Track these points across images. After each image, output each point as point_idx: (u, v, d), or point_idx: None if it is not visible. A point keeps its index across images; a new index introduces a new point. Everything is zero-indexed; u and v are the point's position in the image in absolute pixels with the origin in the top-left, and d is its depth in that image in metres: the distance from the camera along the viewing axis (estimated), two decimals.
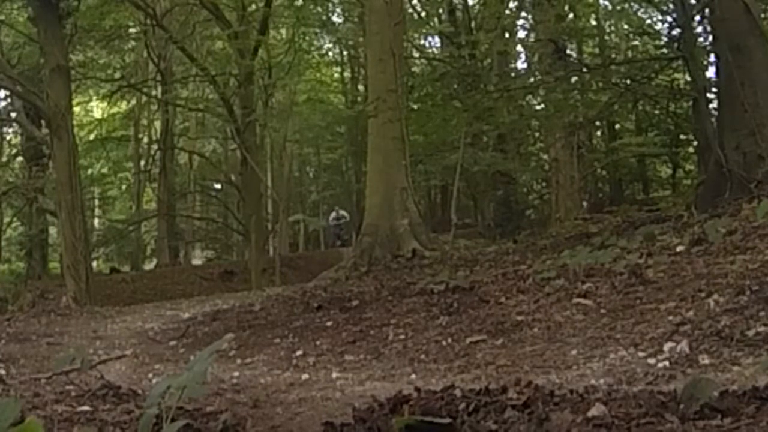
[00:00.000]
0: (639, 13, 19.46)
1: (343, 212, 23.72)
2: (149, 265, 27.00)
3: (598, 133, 24.94)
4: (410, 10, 19.98)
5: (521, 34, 22.46)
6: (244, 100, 17.10)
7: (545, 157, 22.15)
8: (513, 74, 20.19)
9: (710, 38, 11.02)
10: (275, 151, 26.62)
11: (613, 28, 21.44)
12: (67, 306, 11.43)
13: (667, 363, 3.56)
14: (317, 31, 23.23)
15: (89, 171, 25.55)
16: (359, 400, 2.98)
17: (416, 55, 23.29)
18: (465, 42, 18.03)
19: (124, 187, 28.98)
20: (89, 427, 2.55)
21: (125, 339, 7.21)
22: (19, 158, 22.89)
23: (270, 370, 5.02)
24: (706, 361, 3.47)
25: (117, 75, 21.68)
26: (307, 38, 22.34)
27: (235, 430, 2.51)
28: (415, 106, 19.46)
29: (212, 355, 2.33)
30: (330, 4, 21.53)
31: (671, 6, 12.81)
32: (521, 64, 22.10)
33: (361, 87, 27.55)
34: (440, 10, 22.86)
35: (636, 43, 19.36)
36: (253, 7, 17.77)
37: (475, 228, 21.55)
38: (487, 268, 8.22)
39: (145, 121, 27.78)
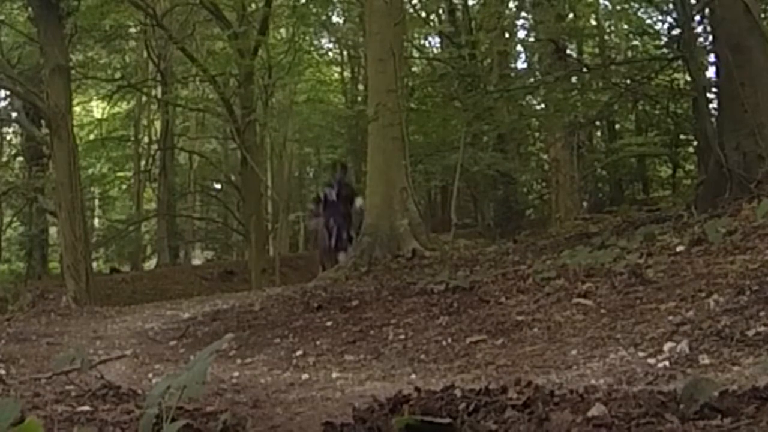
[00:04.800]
0: (639, 13, 19.46)
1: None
2: (149, 265, 26.99)
3: (598, 133, 24.92)
4: (410, 10, 19.98)
5: (521, 34, 22.49)
6: (244, 100, 17.10)
7: (545, 157, 22.16)
8: (513, 74, 20.18)
9: (710, 38, 11.01)
10: (275, 151, 26.61)
11: (613, 28, 21.43)
12: (67, 306, 11.43)
13: (667, 363, 3.56)
14: (317, 31, 23.24)
15: (89, 171, 25.54)
16: (359, 400, 2.98)
17: (416, 55, 23.29)
18: (465, 42, 18.02)
19: (124, 187, 28.96)
20: (89, 427, 2.55)
21: (125, 339, 7.21)
22: (19, 158, 22.89)
23: (270, 370, 5.02)
24: (706, 361, 3.47)
25: (117, 75, 21.69)
26: (307, 38, 22.34)
27: (235, 430, 2.51)
28: (415, 106, 19.45)
29: (212, 355, 2.33)
30: (330, 4, 21.52)
31: (671, 6, 12.81)
32: (521, 64, 22.12)
33: (361, 87, 27.54)
34: (440, 10, 22.87)
35: (636, 43, 19.34)
36: (253, 7, 17.78)
37: (475, 228, 21.53)
38: (487, 268, 8.21)
39: (145, 121, 27.76)
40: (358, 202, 10.46)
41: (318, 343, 5.76)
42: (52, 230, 22.25)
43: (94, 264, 21.30)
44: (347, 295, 7.69)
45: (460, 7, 21.95)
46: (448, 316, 5.70)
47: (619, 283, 5.41)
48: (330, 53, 28.49)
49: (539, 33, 17.20)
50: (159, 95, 22.68)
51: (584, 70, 14.45)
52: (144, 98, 24.57)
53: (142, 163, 26.23)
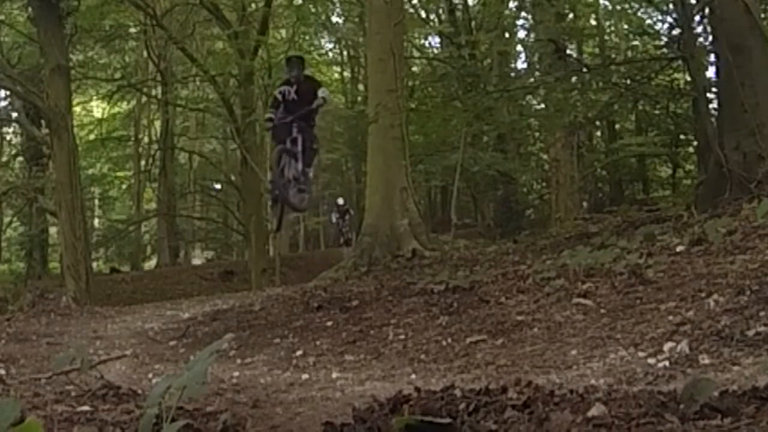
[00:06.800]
0: (639, 13, 19.47)
1: (340, 200, 22.46)
2: (149, 265, 27.00)
3: (598, 133, 24.95)
4: (410, 10, 20.00)
5: (521, 34, 22.51)
6: (244, 100, 17.11)
7: (545, 157, 22.17)
8: (513, 74, 20.20)
9: (710, 38, 11.02)
10: None
11: (613, 28, 21.45)
12: (67, 306, 11.43)
13: (667, 363, 3.56)
14: (317, 31, 23.24)
15: (89, 171, 25.55)
16: (359, 400, 2.98)
17: (416, 55, 23.30)
18: (465, 42, 18.05)
19: (124, 187, 28.99)
20: (89, 427, 2.55)
21: (125, 339, 7.21)
22: (19, 158, 22.91)
23: (270, 370, 5.02)
24: (706, 361, 3.47)
25: (117, 75, 21.71)
26: (307, 38, 22.33)
27: (235, 430, 2.51)
28: (415, 106, 19.47)
29: (212, 355, 2.33)
30: (330, 4, 21.54)
31: (671, 6, 12.81)
32: (521, 64, 22.14)
33: (361, 87, 27.56)
34: (440, 10, 22.88)
35: (636, 43, 19.36)
36: (253, 7, 17.78)
37: (475, 228, 21.56)
38: (487, 268, 8.21)
39: (145, 121, 27.79)
40: (322, 92, 8.25)
41: (318, 343, 5.76)
42: (52, 230, 22.27)
43: (94, 264, 21.33)
44: (347, 295, 7.69)
45: (460, 7, 21.95)
46: (448, 316, 5.70)
47: (619, 283, 5.41)
48: (330, 53, 28.53)
49: (539, 33, 17.20)
50: (159, 95, 22.69)
51: (584, 70, 14.45)
52: (144, 98, 24.58)
53: (142, 163, 26.26)
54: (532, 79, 16.47)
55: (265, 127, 9.15)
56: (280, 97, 8.30)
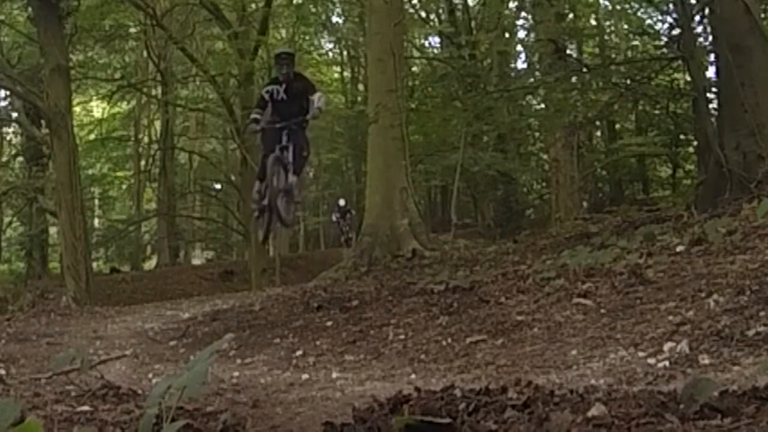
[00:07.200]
0: (639, 13, 19.49)
1: (341, 201, 22.40)
2: (149, 265, 27.00)
3: (598, 133, 24.96)
4: (410, 10, 20.01)
5: (521, 34, 22.54)
6: (244, 100, 17.12)
7: (545, 157, 22.18)
8: (513, 74, 20.22)
9: (710, 38, 11.02)
10: None
11: (613, 28, 21.46)
12: (67, 306, 11.45)
13: (667, 363, 3.56)
14: (317, 31, 23.26)
15: (89, 171, 25.56)
16: (359, 400, 2.98)
17: (416, 55, 23.31)
18: (465, 42, 18.05)
19: (124, 187, 29.00)
20: (89, 427, 2.55)
21: (125, 339, 7.21)
22: (19, 158, 22.92)
23: (270, 370, 5.02)
24: (706, 361, 3.47)
25: (117, 75, 21.71)
26: (307, 38, 22.35)
27: (235, 430, 2.51)
28: (415, 106, 19.49)
29: (212, 355, 2.33)
30: (330, 4, 21.57)
31: (671, 6, 12.82)
32: (521, 64, 22.16)
33: (361, 87, 27.57)
34: (440, 10, 22.90)
35: (636, 43, 19.37)
36: (253, 7, 17.80)
37: (475, 228, 21.56)
38: (487, 268, 8.22)
39: (145, 121, 27.79)
40: (318, 99, 7.28)
41: (318, 343, 5.76)
42: (52, 230, 22.27)
43: (94, 264, 21.32)
44: (347, 295, 7.69)
45: (460, 7, 21.97)
46: (448, 316, 5.70)
47: (619, 283, 5.41)
48: (330, 53, 28.54)
49: (539, 33, 17.22)
50: (159, 95, 22.69)
51: (584, 70, 14.45)
52: (144, 98, 24.58)
53: (142, 163, 26.25)
54: (532, 79, 16.48)
55: (250, 129, 8.03)
56: (267, 96, 7.56)
